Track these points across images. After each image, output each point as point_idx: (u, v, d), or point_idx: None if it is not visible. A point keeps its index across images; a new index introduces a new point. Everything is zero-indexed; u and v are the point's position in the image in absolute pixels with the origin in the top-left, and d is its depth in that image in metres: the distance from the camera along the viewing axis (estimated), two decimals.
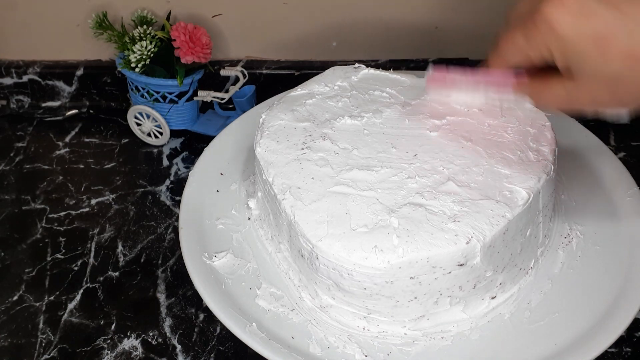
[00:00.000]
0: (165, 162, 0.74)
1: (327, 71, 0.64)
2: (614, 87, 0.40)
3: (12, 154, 0.76)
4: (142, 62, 0.72)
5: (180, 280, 0.61)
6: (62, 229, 0.67)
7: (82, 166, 0.74)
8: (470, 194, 0.51)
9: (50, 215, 0.68)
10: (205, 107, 0.79)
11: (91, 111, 0.82)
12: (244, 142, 0.67)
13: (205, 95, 0.75)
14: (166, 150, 0.76)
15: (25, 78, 0.81)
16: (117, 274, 0.62)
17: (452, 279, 0.49)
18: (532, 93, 0.47)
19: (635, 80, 0.39)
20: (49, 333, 0.57)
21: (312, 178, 0.53)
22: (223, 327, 0.55)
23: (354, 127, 0.58)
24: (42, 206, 0.69)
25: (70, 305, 0.60)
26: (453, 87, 0.56)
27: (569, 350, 0.49)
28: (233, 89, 0.75)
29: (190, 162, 0.74)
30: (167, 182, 0.72)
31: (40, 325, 0.58)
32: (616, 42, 0.38)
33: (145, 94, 0.75)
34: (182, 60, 0.72)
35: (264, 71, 0.80)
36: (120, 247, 0.65)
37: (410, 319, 0.51)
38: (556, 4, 0.39)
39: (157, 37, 0.73)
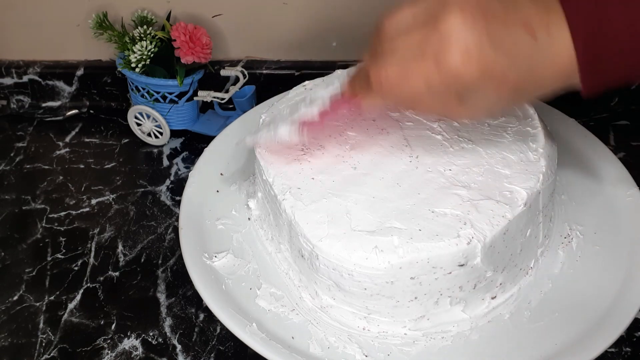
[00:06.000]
0: (166, 162, 0.74)
1: (333, 74, 0.64)
2: (495, 108, 0.47)
3: (12, 154, 0.76)
4: (142, 62, 0.72)
5: (180, 280, 0.61)
6: (62, 228, 0.67)
7: (82, 166, 0.74)
8: (471, 194, 0.51)
9: (51, 215, 0.68)
10: (205, 107, 0.79)
11: (91, 111, 0.82)
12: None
13: (205, 96, 0.75)
14: (166, 150, 0.76)
15: (25, 78, 0.81)
16: (117, 273, 0.62)
17: (453, 279, 0.49)
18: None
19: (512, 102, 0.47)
20: (49, 333, 0.57)
21: (312, 178, 0.54)
22: (223, 327, 0.55)
23: (355, 129, 0.58)
24: (42, 206, 0.69)
25: (71, 305, 0.60)
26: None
27: (569, 350, 0.49)
28: (233, 89, 0.75)
29: (190, 162, 0.74)
30: (167, 182, 0.72)
31: (41, 325, 0.58)
32: (507, 81, 0.42)
33: (146, 94, 0.75)
34: (182, 60, 0.72)
35: (264, 71, 0.80)
36: (120, 247, 0.65)
37: (411, 319, 0.51)
38: (461, 55, 0.41)
39: (157, 37, 0.73)
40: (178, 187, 0.71)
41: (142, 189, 0.71)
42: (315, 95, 0.54)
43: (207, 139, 0.69)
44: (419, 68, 0.42)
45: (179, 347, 0.56)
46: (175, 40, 0.71)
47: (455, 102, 0.43)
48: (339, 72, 0.64)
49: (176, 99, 0.75)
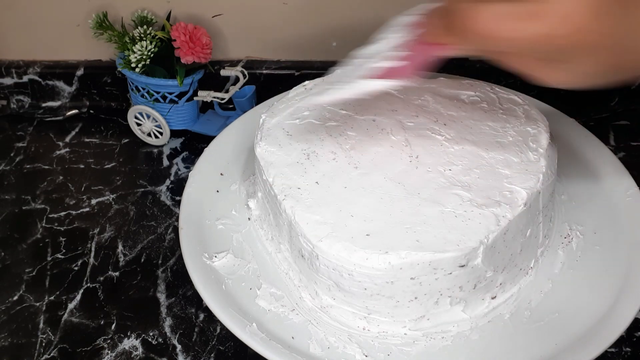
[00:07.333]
0: (166, 162, 0.74)
1: (333, 73, 0.64)
2: (586, 79, 0.43)
3: (12, 154, 0.76)
4: (142, 62, 0.72)
5: (180, 280, 0.61)
6: (62, 228, 0.67)
7: (82, 166, 0.74)
8: (471, 195, 0.51)
9: (51, 215, 0.68)
10: (205, 107, 0.79)
11: (91, 111, 0.82)
12: (244, 143, 0.67)
13: (205, 95, 0.75)
14: (166, 150, 0.76)
15: (25, 78, 0.81)
16: (117, 273, 0.62)
17: (453, 279, 0.49)
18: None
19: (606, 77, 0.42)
20: (49, 333, 0.58)
21: (312, 178, 0.54)
22: (223, 327, 0.55)
23: (355, 129, 0.58)
24: (42, 206, 0.69)
25: (71, 305, 0.60)
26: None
27: (569, 350, 0.49)
28: (233, 89, 0.75)
29: (190, 162, 0.74)
30: (167, 182, 0.72)
31: (41, 325, 0.58)
32: (604, 53, 0.40)
33: (146, 94, 0.75)
34: (182, 60, 0.72)
35: (264, 71, 0.80)
36: (120, 247, 0.65)
37: (411, 319, 0.51)
38: (562, 17, 0.39)
39: (157, 37, 0.73)
40: (178, 187, 0.71)
41: (142, 189, 0.71)
42: (374, 50, 0.49)
43: (207, 139, 0.69)
44: (517, 19, 0.40)
45: (179, 347, 0.56)
46: (175, 40, 0.71)
47: (545, 62, 0.42)
48: (338, 71, 0.64)
49: (176, 99, 0.75)
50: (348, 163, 0.55)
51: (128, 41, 0.73)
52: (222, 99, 0.75)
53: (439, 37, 0.45)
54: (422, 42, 0.46)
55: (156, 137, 0.76)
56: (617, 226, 0.58)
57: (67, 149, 0.77)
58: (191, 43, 0.71)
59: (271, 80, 0.79)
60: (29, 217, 0.68)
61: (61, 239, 0.66)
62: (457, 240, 0.48)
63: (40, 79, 0.81)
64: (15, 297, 0.61)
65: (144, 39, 0.73)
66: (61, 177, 0.73)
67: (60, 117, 0.82)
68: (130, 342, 0.57)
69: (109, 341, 0.57)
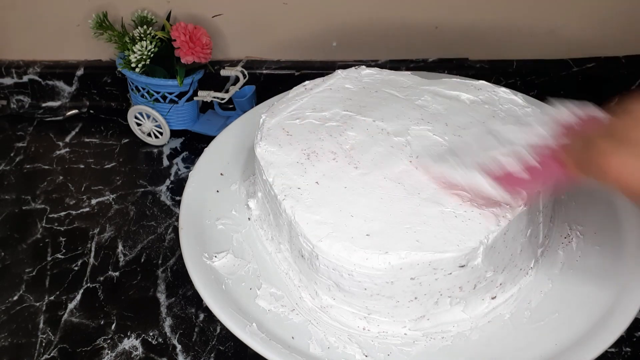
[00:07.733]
0: (166, 162, 0.74)
1: (333, 73, 0.64)
2: None
3: (12, 154, 0.76)
4: (142, 62, 0.72)
5: (180, 280, 0.61)
6: (62, 228, 0.67)
7: (82, 166, 0.74)
8: (471, 195, 0.51)
9: (51, 215, 0.68)
10: (205, 107, 0.79)
11: (91, 111, 0.82)
12: (244, 143, 0.67)
13: (205, 95, 0.75)
14: (166, 150, 0.76)
15: (25, 78, 0.81)
16: (117, 273, 0.62)
17: (453, 279, 0.49)
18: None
19: None
20: (49, 333, 0.58)
21: (312, 178, 0.53)
22: (223, 327, 0.55)
23: (356, 129, 0.58)
24: (43, 206, 0.69)
25: (71, 305, 0.60)
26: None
27: (569, 350, 0.49)
28: (233, 89, 0.75)
29: (190, 162, 0.74)
30: (167, 182, 0.72)
31: (41, 325, 0.58)
32: None
33: (146, 94, 0.75)
34: (182, 60, 0.72)
35: (264, 71, 0.80)
36: (120, 247, 0.65)
37: (411, 319, 0.51)
38: None
39: (157, 37, 0.73)
40: (178, 187, 0.71)
41: (142, 189, 0.71)
42: (508, 135, 0.49)
43: (207, 139, 0.69)
44: None
45: (179, 347, 0.56)
46: (175, 40, 0.71)
47: None
48: (339, 71, 0.64)
49: (176, 99, 0.75)
50: (348, 163, 0.54)
51: (128, 41, 0.73)
52: (222, 99, 0.75)
53: (571, 165, 0.44)
54: (554, 158, 0.45)
55: (156, 137, 0.76)
56: (617, 226, 0.58)
57: (67, 149, 0.77)
58: (191, 43, 0.71)
59: (271, 80, 0.79)
60: (29, 217, 0.68)
61: (61, 239, 0.66)
62: (457, 241, 0.48)
63: (40, 79, 0.81)
64: (15, 297, 0.61)
65: (144, 39, 0.73)
66: (61, 177, 0.73)
67: (60, 117, 0.82)
68: (130, 342, 0.57)
69: (109, 341, 0.57)
